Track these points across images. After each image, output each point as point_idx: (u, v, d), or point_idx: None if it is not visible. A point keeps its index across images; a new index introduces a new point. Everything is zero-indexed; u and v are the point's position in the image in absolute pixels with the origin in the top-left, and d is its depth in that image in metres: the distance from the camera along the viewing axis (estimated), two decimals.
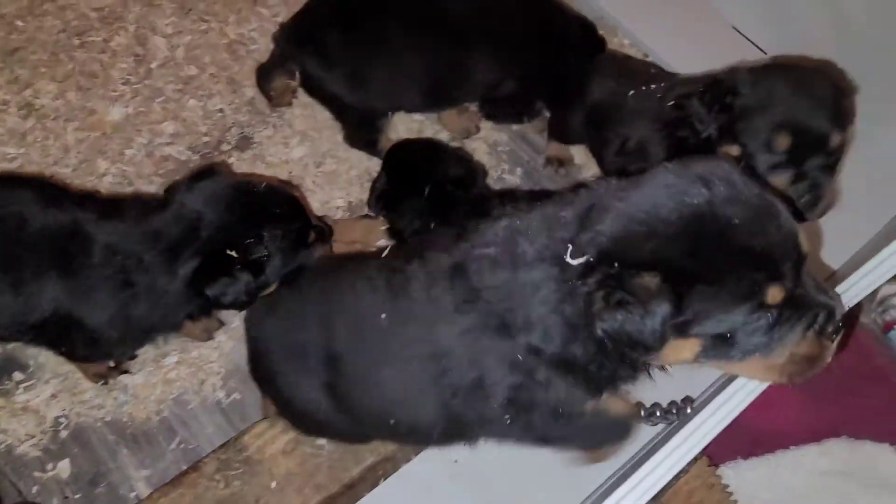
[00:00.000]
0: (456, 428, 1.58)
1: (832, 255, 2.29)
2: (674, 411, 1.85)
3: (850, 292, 1.72)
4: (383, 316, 1.53)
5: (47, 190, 1.94)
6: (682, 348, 1.25)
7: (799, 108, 1.85)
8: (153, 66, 2.75)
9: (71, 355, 2.10)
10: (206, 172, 1.94)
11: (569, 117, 2.57)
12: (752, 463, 2.21)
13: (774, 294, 1.20)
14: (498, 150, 2.75)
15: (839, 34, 2.54)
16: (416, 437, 1.74)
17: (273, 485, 1.83)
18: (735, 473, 2.17)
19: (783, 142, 1.84)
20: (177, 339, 2.22)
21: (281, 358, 1.79)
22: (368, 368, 1.60)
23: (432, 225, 2.19)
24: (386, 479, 1.98)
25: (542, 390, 1.42)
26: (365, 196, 2.48)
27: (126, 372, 2.19)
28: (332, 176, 2.62)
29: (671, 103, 2.06)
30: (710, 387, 2.05)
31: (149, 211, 1.87)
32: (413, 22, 2.40)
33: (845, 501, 2.19)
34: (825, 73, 2.01)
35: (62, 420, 2.13)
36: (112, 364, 2.17)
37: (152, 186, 2.51)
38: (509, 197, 2.30)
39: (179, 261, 1.79)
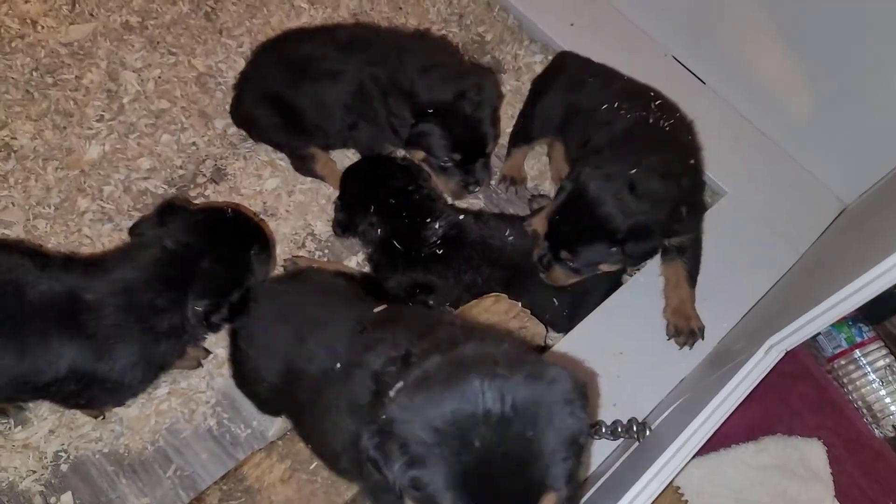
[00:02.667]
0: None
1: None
2: (634, 428, 2.06)
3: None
4: (338, 365, 1.76)
5: (39, 257, 1.97)
6: None
7: None
8: (125, 101, 2.81)
9: (92, 405, 2.19)
10: (169, 208, 2.13)
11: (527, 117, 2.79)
12: (698, 461, 2.43)
13: None
14: None
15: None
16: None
17: None
18: (683, 471, 2.40)
19: None
20: (167, 372, 2.33)
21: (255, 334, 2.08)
22: (314, 395, 1.80)
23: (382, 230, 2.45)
24: None
25: None
26: None
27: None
28: (303, 205, 2.75)
29: None
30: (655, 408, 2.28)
31: (139, 258, 2.01)
32: (283, 63, 2.64)
33: (779, 491, 2.46)
34: None
35: (62, 454, 2.25)
36: None
37: (131, 222, 2.59)
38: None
39: (189, 297, 2.00)
